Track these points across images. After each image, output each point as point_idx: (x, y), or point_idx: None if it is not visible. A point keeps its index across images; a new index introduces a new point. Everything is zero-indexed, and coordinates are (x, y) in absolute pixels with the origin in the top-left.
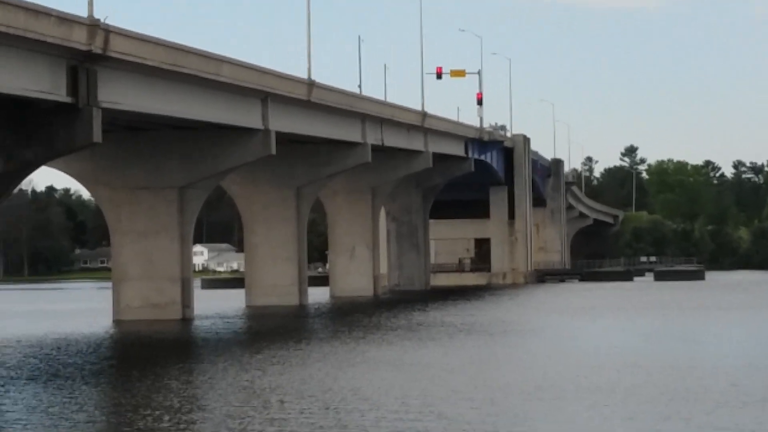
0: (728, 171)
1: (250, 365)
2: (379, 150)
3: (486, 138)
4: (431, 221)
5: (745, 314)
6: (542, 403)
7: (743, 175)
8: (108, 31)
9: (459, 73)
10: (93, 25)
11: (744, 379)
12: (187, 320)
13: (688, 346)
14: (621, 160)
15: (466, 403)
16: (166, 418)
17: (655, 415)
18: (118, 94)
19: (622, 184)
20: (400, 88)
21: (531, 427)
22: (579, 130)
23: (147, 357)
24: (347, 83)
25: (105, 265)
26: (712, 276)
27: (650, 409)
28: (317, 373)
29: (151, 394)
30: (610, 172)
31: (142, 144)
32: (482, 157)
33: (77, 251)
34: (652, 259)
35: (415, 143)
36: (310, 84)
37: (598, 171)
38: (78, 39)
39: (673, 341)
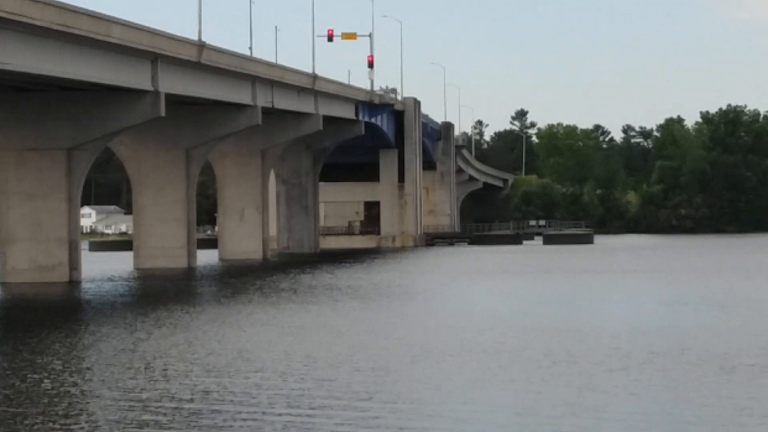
0: (617, 135)
1: (136, 328)
2: (269, 112)
3: (376, 101)
4: (321, 184)
5: (630, 278)
6: (425, 366)
7: (632, 140)
8: None
9: (350, 36)
10: None
11: (625, 342)
12: (74, 283)
13: (572, 310)
14: (511, 123)
15: (349, 367)
16: (48, 380)
17: (536, 377)
18: (6, 54)
19: (512, 147)
20: (291, 50)
21: (413, 389)
22: (469, 93)
23: (32, 320)
24: (238, 45)
25: None
26: (600, 240)
27: (532, 371)
28: (202, 335)
29: (34, 357)
30: (500, 136)
31: (30, 105)
32: (373, 120)
33: None
34: (542, 222)
35: (306, 106)
36: (200, 45)
37: (488, 135)
38: None
39: (558, 304)
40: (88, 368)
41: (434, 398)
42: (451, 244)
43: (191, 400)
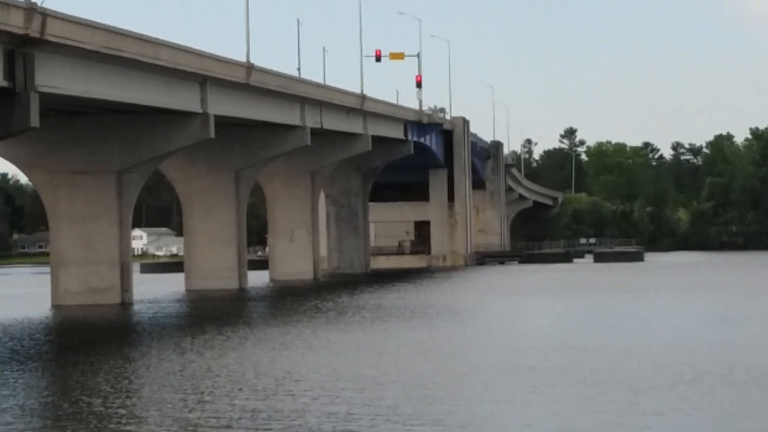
0: (667, 153)
1: (186, 349)
2: (318, 133)
3: (425, 120)
4: (371, 204)
5: (681, 295)
6: (474, 385)
7: (682, 157)
8: (45, 14)
9: (398, 56)
10: (30, 9)
11: (673, 359)
12: (126, 305)
13: (622, 327)
14: (560, 142)
15: (397, 386)
16: (98, 402)
17: (584, 396)
18: (56, 78)
19: (561, 166)
20: (339, 71)
21: (461, 410)
22: (518, 112)
23: (84, 342)
24: (286, 66)
25: (43, 250)
26: (651, 257)
27: (579, 390)
28: (252, 356)
29: (85, 379)
30: (550, 154)
31: (80, 128)
32: (422, 140)
33: (15, 236)
34: (592, 240)
35: (355, 126)
36: (249, 67)
37: (537, 153)
38: (15, 23)
39: (607, 322)
40: (138, 389)
41: (482, 418)
42: (502, 262)
43: (240, 421)
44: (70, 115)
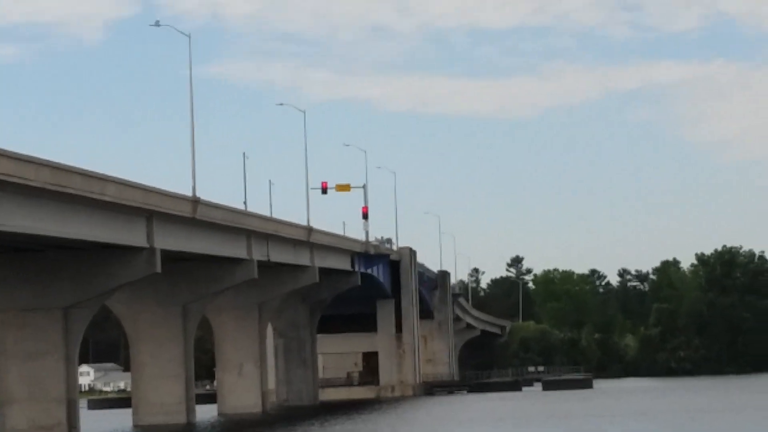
0: (614, 279)
1: None
2: (265, 266)
3: (372, 252)
4: (319, 335)
5: (631, 422)
6: None
7: (629, 283)
8: None
9: (344, 188)
10: None
11: None
12: None
13: None
14: (507, 270)
15: None
16: None
17: None
18: (2, 216)
19: (508, 294)
20: (285, 203)
21: None
22: (465, 241)
23: None
24: (232, 199)
25: None
26: (599, 384)
27: None
28: None
29: None
30: (497, 283)
31: (28, 264)
32: (369, 271)
33: None
34: (540, 368)
35: (302, 258)
36: (195, 201)
37: (484, 282)
38: None
39: None
40: None
41: None
42: (451, 392)
43: None
44: (18, 251)
